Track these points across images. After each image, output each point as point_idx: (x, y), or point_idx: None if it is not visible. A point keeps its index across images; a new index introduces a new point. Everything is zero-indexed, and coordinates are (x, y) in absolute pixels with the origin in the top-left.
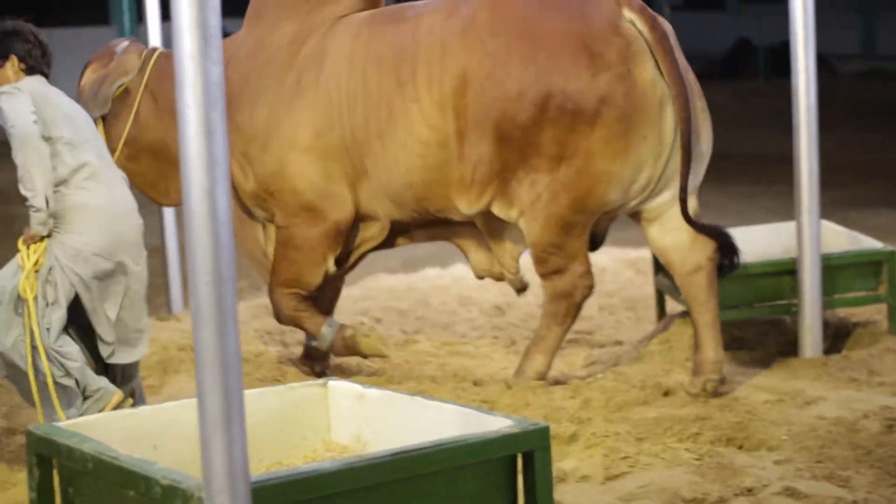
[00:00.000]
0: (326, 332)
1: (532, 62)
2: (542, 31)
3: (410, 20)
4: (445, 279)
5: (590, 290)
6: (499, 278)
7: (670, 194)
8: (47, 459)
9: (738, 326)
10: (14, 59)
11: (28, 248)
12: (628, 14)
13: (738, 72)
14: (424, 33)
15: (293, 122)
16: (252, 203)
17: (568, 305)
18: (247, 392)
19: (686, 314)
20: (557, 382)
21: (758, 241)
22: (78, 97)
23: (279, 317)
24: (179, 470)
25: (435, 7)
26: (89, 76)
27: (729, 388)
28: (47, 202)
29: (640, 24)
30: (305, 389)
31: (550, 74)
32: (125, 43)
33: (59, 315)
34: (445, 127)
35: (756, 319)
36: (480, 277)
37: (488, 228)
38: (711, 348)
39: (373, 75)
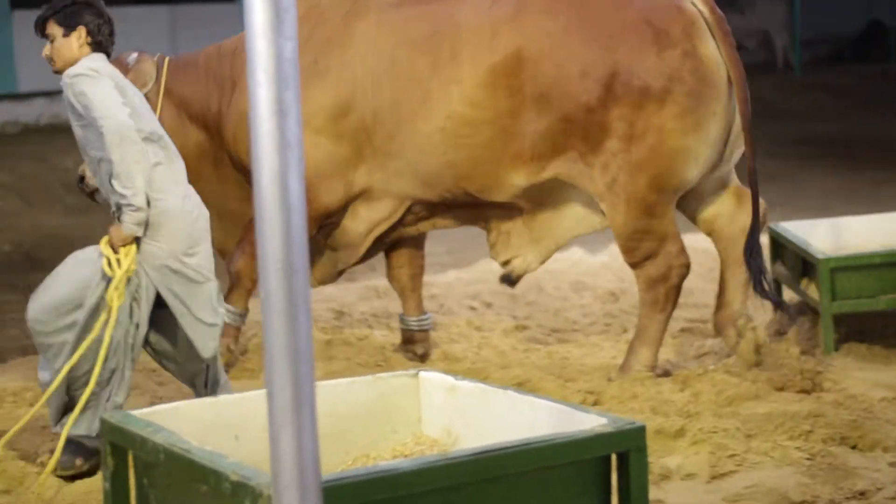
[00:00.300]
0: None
1: (594, 41)
2: (600, 9)
3: (444, 2)
4: (560, 263)
5: (686, 269)
6: (504, 265)
7: (719, 172)
8: (121, 449)
9: (857, 319)
10: (82, 32)
11: (116, 251)
12: None
13: (870, 54)
14: (467, 15)
15: (306, 103)
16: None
17: (666, 290)
18: (335, 382)
19: (805, 305)
20: (666, 373)
21: (883, 230)
22: None
23: (232, 276)
24: (257, 463)
25: None
26: None
27: (843, 383)
28: (147, 202)
29: (700, 5)
30: (396, 380)
31: (614, 52)
32: (135, 54)
33: (140, 338)
34: (496, 105)
35: (877, 312)
36: (493, 258)
37: (535, 215)
38: (739, 302)
39: (403, 58)
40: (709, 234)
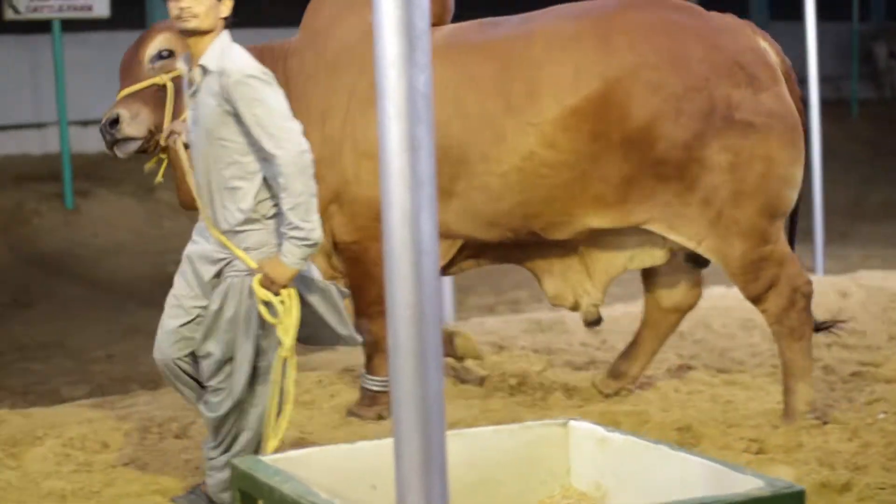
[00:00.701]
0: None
1: (688, 80)
2: (691, 50)
3: (510, 41)
4: (729, 300)
5: (810, 286)
6: (573, 308)
7: None
8: (251, 497)
9: None
10: (230, 3)
11: (277, 293)
12: (763, 43)
13: None
14: (542, 53)
15: (372, 128)
16: None
17: (798, 315)
18: (482, 430)
19: None
20: (836, 421)
21: None
22: (136, 67)
23: (377, 343)
24: None
25: (544, 28)
26: (170, 46)
27: None
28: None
29: (773, 54)
30: (544, 429)
31: (711, 91)
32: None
33: None
34: (578, 148)
35: None
36: (556, 305)
37: (588, 249)
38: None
39: (471, 99)
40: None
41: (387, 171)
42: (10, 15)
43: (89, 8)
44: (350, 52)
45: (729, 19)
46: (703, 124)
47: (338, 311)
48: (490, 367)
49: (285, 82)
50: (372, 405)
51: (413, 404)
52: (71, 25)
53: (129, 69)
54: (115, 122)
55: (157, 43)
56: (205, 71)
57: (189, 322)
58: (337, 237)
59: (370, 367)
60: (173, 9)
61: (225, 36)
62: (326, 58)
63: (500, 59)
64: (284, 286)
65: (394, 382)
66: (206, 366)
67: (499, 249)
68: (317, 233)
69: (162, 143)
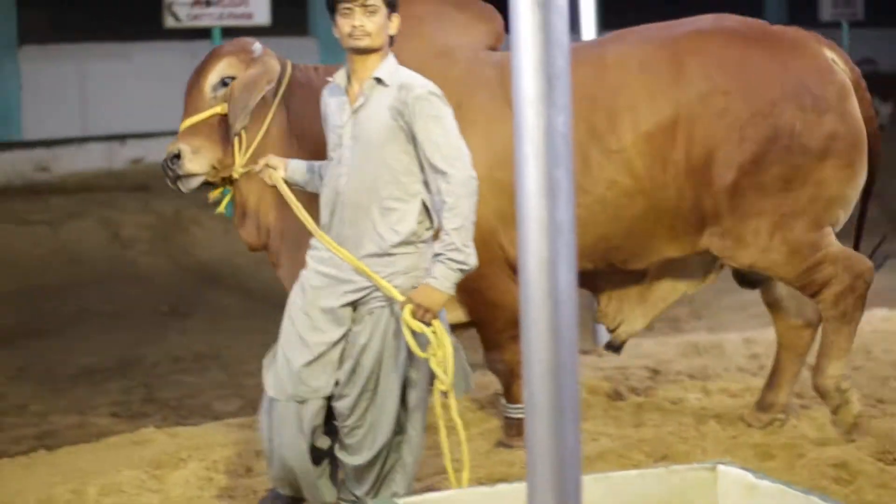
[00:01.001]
0: None
1: (755, 108)
2: (760, 73)
3: (585, 66)
4: (891, 322)
5: (871, 272)
6: (611, 330)
7: None
8: None
9: None
10: (396, 21)
11: (428, 323)
12: (830, 54)
13: None
14: (618, 79)
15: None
16: None
17: (854, 300)
18: (623, 474)
19: None
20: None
21: None
22: (197, 95)
23: (512, 370)
24: None
25: (619, 49)
26: (234, 72)
27: None
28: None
29: (842, 65)
30: (692, 473)
31: (777, 118)
32: (257, 43)
33: None
34: (653, 175)
35: None
36: (599, 322)
37: (650, 276)
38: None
39: None
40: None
41: (524, 216)
42: (170, 23)
43: (249, 16)
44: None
45: (794, 34)
46: (764, 149)
47: (461, 353)
48: (644, 392)
49: None
50: (519, 433)
51: (549, 460)
52: (231, 33)
53: (191, 98)
54: (176, 157)
55: (220, 69)
56: (379, 83)
57: (313, 361)
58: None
59: (509, 395)
60: (344, 26)
61: (392, 55)
62: None
63: (582, 85)
64: (436, 315)
65: (529, 436)
66: (344, 406)
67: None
68: (473, 259)
69: (261, 175)
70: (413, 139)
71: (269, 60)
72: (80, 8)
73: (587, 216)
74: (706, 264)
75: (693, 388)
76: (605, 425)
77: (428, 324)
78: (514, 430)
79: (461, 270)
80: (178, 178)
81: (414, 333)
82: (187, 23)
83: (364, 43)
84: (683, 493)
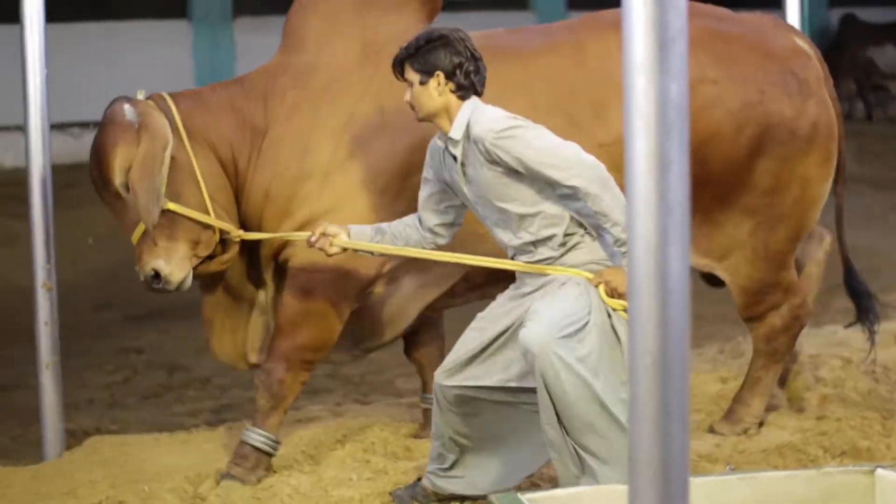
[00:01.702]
0: None
1: (746, 96)
2: (749, 61)
3: (558, 53)
4: None
5: (809, 316)
6: None
7: None
8: None
9: None
10: (440, 77)
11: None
12: (800, 42)
13: None
14: (599, 67)
15: (374, 157)
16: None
17: (787, 340)
18: (771, 475)
19: None
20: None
21: None
22: (118, 203)
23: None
24: None
25: (593, 40)
26: (125, 164)
27: None
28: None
29: (811, 51)
30: (846, 476)
31: (768, 104)
32: (126, 105)
33: None
34: None
35: None
36: None
37: None
38: None
39: (533, 117)
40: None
41: (632, 195)
42: None
43: None
44: (343, 84)
45: (767, 20)
46: (755, 144)
47: None
48: (832, 382)
49: (257, 125)
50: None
51: (653, 462)
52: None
53: (115, 208)
54: (156, 277)
55: (119, 166)
56: (454, 143)
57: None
58: (292, 263)
59: (261, 420)
60: None
61: (468, 105)
62: (311, 96)
63: (554, 75)
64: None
65: (632, 436)
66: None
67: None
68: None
69: (318, 247)
70: (519, 173)
71: (151, 120)
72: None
73: None
74: None
75: (886, 381)
76: (788, 417)
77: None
78: (238, 458)
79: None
80: (177, 288)
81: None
82: None
83: (416, 117)
84: (835, 497)
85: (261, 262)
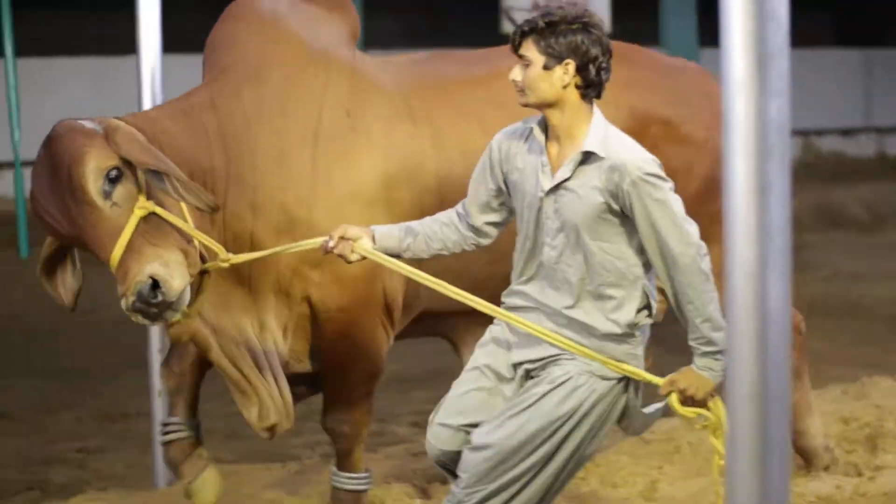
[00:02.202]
0: None
1: (694, 132)
2: (692, 104)
3: (501, 78)
4: None
5: (802, 322)
6: None
7: None
8: None
9: None
10: (570, 67)
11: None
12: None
13: None
14: None
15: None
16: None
17: (796, 353)
18: None
19: None
20: None
21: None
22: (95, 213)
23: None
24: None
25: None
26: (109, 160)
27: None
28: None
29: None
30: None
31: (714, 142)
32: (86, 121)
33: None
34: None
35: None
36: None
37: None
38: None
39: (481, 144)
40: None
41: (730, 218)
42: (508, 28)
43: None
44: (300, 85)
45: (692, 64)
46: (707, 179)
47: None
48: None
49: (220, 132)
50: None
51: (751, 499)
52: None
53: (90, 221)
54: (154, 286)
55: (94, 168)
56: (587, 158)
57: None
58: (316, 304)
59: (346, 462)
60: None
61: (599, 116)
62: (270, 97)
63: (503, 101)
64: (704, 402)
65: (730, 470)
66: (476, 459)
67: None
68: (724, 340)
69: (338, 253)
70: (628, 219)
71: (118, 124)
72: (426, 13)
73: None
74: None
75: None
76: None
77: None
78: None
79: (721, 355)
80: (169, 306)
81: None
82: None
83: (521, 100)
84: None
85: (255, 299)
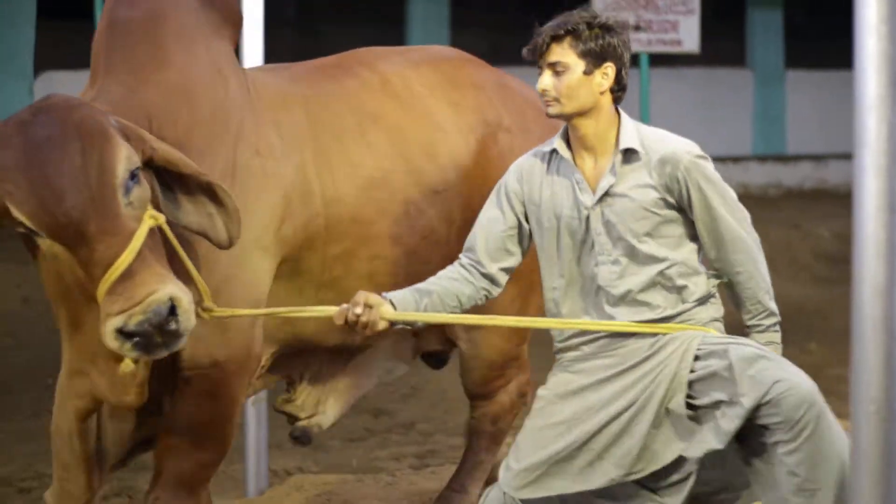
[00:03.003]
0: None
1: (530, 144)
2: (525, 112)
3: (368, 89)
4: None
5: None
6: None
7: None
8: None
9: None
10: (610, 70)
11: None
12: None
13: None
14: (419, 106)
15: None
16: None
17: (511, 419)
18: None
19: None
20: None
21: None
22: (112, 206)
23: None
24: None
25: (399, 72)
26: (132, 157)
27: None
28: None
29: None
30: None
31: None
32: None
33: None
34: (454, 221)
35: None
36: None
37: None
38: None
39: (369, 163)
40: None
41: (860, 235)
42: None
43: (679, 43)
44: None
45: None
46: None
47: None
48: None
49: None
50: None
51: None
52: (659, 60)
53: (100, 212)
54: (172, 311)
55: (127, 154)
56: (628, 158)
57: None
58: (183, 359)
59: None
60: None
61: (625, 115)
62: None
63: (381, 116)
64: None
65: (854, 488)
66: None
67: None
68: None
69: (358, 325)
70: (682, 209)
71: (143, 133)
72: (511, 33)
73: (389, 270)
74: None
75: None
76: None
77: None
78: None
79: (779, 326)
80: (178, 340)
81: None
82: None
83: (552, 110)
84: None
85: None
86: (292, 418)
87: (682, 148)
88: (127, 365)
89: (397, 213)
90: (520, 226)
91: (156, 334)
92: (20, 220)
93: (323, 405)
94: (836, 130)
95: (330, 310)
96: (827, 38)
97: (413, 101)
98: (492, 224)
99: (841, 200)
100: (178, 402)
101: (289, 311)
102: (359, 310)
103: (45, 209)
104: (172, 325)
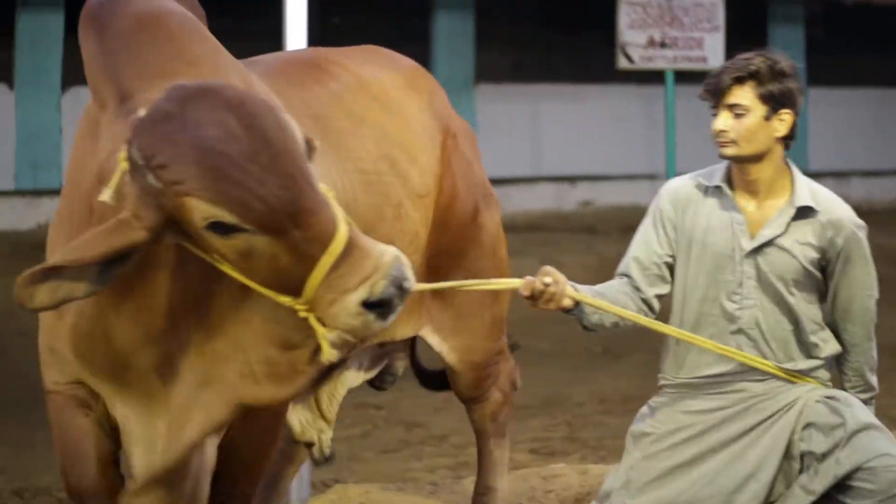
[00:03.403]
0: None
1: (475, 151)
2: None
3: (350, 90)
4: None
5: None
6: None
7: None
8: None
9: None
10: (789, 118)
11: None
12: None
13: None
14: (395, 107)
15: None
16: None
17: (509, 410)
18: None
19: None
20: None
21: None
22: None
23: None
24: None
25: (370, 78)
26: None
27: None
28: None
29: None
30: None
31: (477, 162)
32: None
33: None
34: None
35: None
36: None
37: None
38: None
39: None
40: None
41: None
42: (623, 64)
43: (704, 59)
44: None
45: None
46: (475, 202)
47: None
48: None
49: None
50: None
51: None
52: (685, 77)
53: (299, 178)
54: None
55: (298, 127)
56: (803, 214)
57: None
58: None
59: None
60: (713, 126)
61: (794, 166)
62: None
63: (366, 118)
64: None
65: None
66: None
67: None
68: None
69: (542, 303)
70: (824, 270)
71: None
72: (535, 49)
73: None
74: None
75: None
76: None
77: None
78: None
79: (874, 400)
80: (408, 293)
81: None
82: (640, 65)
83: (728, 152)
84: None
85: None
86: (307, 444)
87: (848, 216)
88: (331, 353)
89: (391, 216)
90: (671, 253)
91: (396, 297)
92: (212, 220)
93: (319, 421)
94: (858, 147)
95: (516, 282)
96: (849, 56)
97: (391, 104)
98: (644, 248)
99: (864, 217)
100: (248, 425)
101: (475, 283)
102: (548, 279)
103: (253, 194)
104: (407, 283)
